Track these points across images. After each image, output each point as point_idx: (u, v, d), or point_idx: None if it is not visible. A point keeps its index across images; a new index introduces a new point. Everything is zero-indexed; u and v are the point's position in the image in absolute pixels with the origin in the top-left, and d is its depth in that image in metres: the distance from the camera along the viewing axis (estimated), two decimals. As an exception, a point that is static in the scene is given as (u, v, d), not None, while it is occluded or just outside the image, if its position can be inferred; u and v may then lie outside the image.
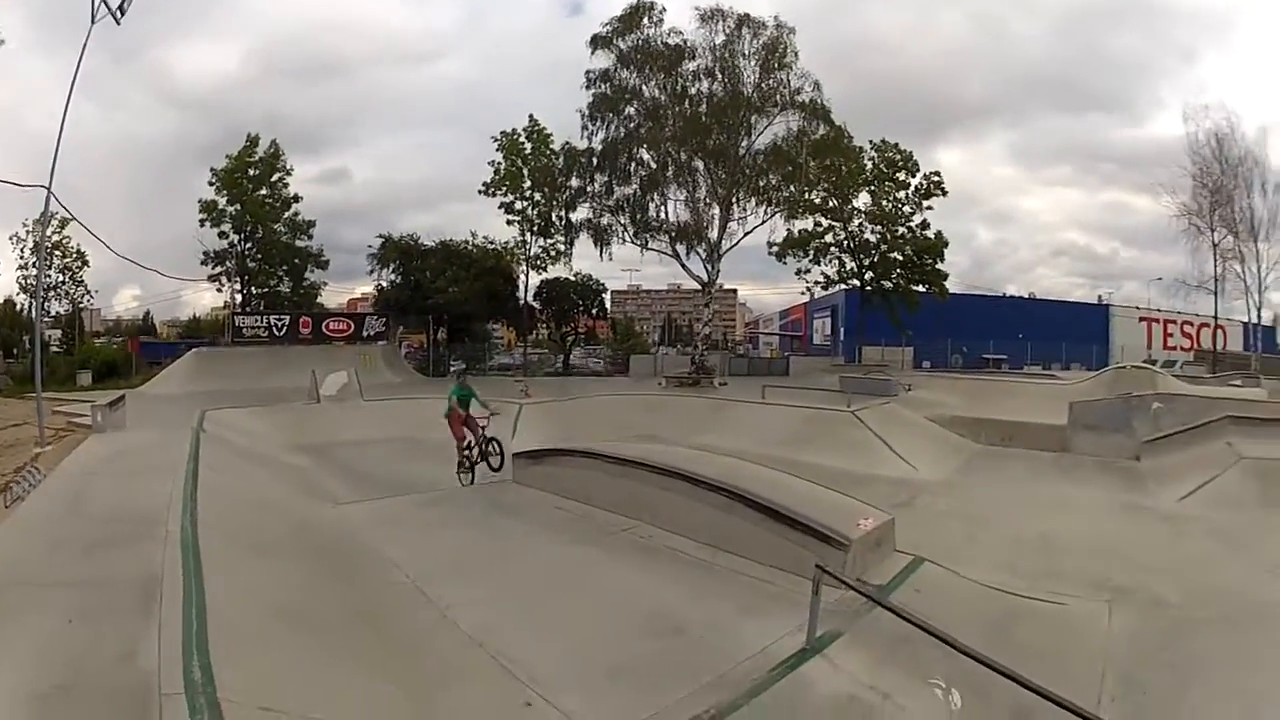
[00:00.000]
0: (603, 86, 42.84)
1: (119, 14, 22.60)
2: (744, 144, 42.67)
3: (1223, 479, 15.74)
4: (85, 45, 20.83)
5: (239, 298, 47.62)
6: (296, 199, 48.63)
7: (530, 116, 48.14)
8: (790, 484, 9.69)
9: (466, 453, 14.55)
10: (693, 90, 42.26)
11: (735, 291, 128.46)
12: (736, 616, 7.18)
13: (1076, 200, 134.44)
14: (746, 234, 44.23)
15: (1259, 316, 50.26)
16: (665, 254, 43.89)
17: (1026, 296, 77.91)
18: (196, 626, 5.23)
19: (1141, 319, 73.17)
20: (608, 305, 58.59)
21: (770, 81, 42.31)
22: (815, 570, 6.62)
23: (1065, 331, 64.00)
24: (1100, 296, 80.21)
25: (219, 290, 48.91)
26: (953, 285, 54.90)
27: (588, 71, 43.14)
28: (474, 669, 6.07)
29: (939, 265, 53.51)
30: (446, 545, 9.53)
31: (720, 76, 42.09)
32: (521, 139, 47.68)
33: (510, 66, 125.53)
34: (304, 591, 7.24)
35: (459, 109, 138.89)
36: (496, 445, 14.40)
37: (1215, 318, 52.83)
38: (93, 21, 21.40)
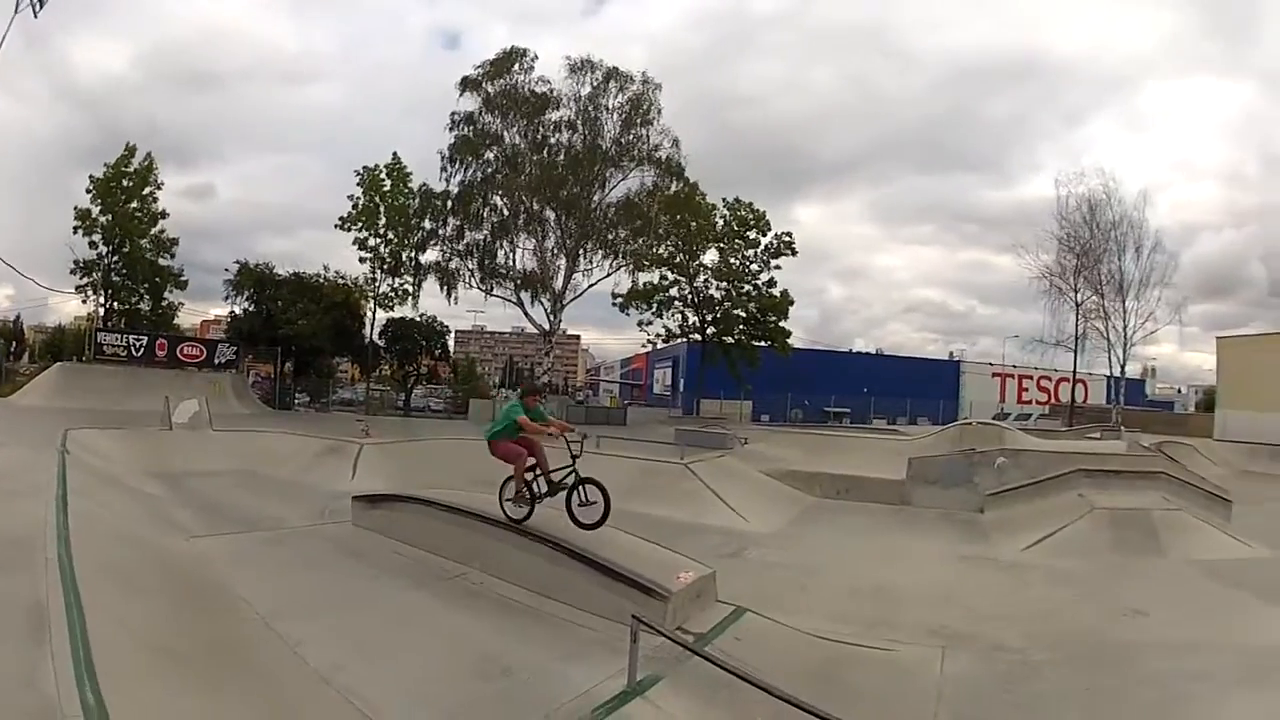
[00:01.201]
0: (466, 129, 43.58)
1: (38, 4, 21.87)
2: (597, 196, 43.90)
3: (1073, 528, 16.35)
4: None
5: (102, 311, 46.72)
6: (164, 215, 47.67)
7: (394, 154, 47.99)
8: (615, 538, 10.06)
9: (533, 480, 10.21)
10: (553, 140, 43.29)
11: (579, 337, 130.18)
12: (562, 661, 7.52)
13: (935, 258, 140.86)
14: (590, 285, 45.71)
15: (1122, 371, 52.68)
16: (510, 301, 44.84)
17: (874, 352, 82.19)
18: (84, 654, 5.30)
19: (994, 374, 78.26)
20: (450, 347, 58.64)
21: (630, 136, 43.59)
22: (632, 620, 7.03)
23: (914, 387, 67.77)
24: (951, 353, 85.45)
25: (83, 302, 47.95)
26: (801, 339, 56.74)
27: (453, 113, 44.08)
28: (324, 705, 6.35)
29: (781, 323, 56.30)
30: (293, 584, 9.65)
31: (581, 128, 42.98)
32: (382, 175, 47.36)
33: (384, 97, 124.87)
34: (169, 623, 7.38)
35: (330, 135, 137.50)
36: (596, 489, 9.79)
37: (1074, 373, 55.99)
38: (15, 11, 20.76)
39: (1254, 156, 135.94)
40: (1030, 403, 74.54)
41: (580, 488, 9.82)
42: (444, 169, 43.98)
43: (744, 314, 55.20)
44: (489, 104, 43.30)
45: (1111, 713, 8.05)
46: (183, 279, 49.03)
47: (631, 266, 47.15)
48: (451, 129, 43.80)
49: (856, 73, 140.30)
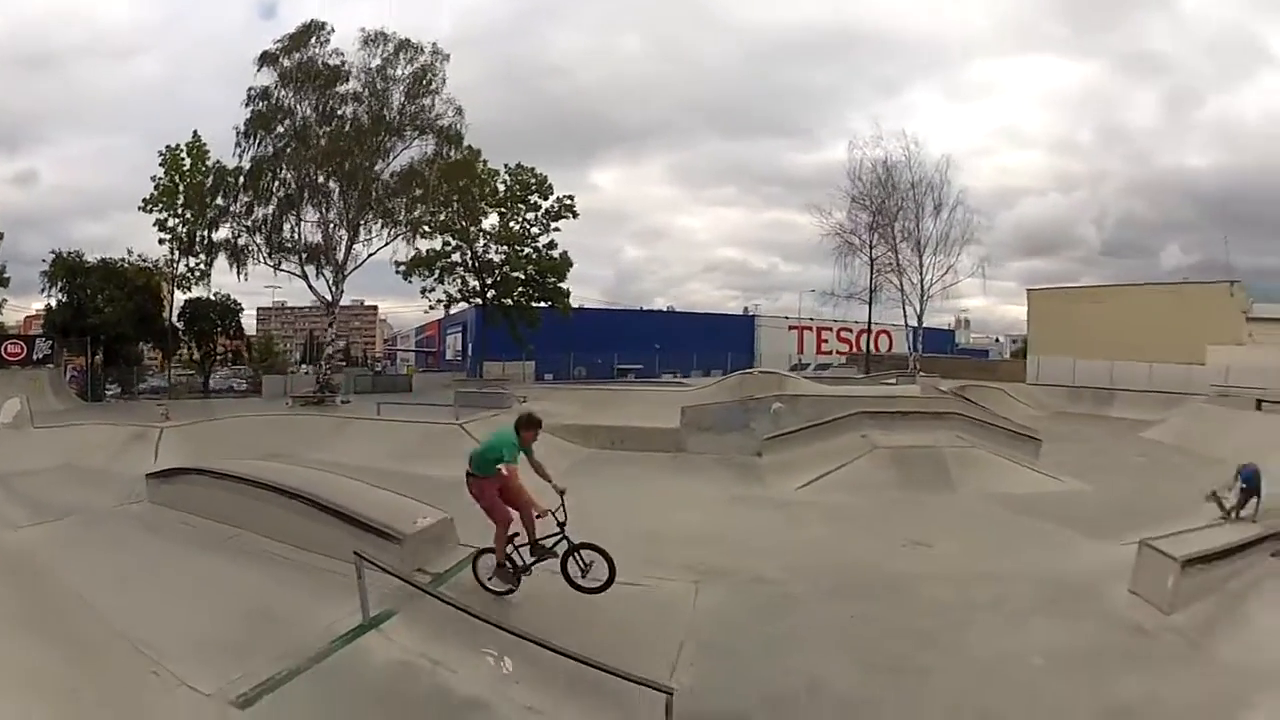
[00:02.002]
0: (260, 104, 42.18)
1: None
2: (380, 166, 43.46)
3: (852, 466, 17.67)
4: None
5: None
6: (-12, 207, 45.19)
7: (194, 133, 46.61)
8: (366, 492, 11.10)
9: (513, 551, 9.12)
10: (341, 112, 42.48)
11: (376, 308, 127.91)
12: (312, 601, 8.57)
13: (737, 218, 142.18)
14: (370, 255, 44.95)
15: (919, 321, 54.53)
16: (295, 274, 43.84)
17: (665, 310, 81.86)
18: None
19: (791, 327, 79.28)
20: (245, 325, 57.33)
21: (414, 107, 43.37)
22: (355, 558, 8.14)
23: (709, 343, 67.64)
24: (746, 308, 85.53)
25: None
26: (598, 300, 57.36)
27: (250, 89, 42.36)
28: (120, 652, 7.31)
29: (561, 284, 56.96)
30: (99, 559, 10.53)
31: (368, 100, 42.60)
32: (183, 154, 46.09)
33: (203, 71, 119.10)
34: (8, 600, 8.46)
35: (150, 112, 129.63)
36: (594, 552, 8.96)
37: (869, 324, 58.17)
38: None
39: (1089, 128, 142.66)
40: (831, 354, 77.05)
41: (576, 554, 9.02)
42: (238, 145, 42.54)
43: (523, 276, 56.04)
44: (285, 78, 42.24)
45: (876, 641, 8.86)
46: (5, 276, 47.54)
47: (410, 234, 46.78)
48: (248, 104, 42.49)
49: (667, 41, 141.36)
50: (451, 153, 45.21)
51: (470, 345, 67.75)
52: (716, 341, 68.32)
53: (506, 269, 55.76)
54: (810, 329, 79.75)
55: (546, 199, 56.32)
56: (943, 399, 27.64)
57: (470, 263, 55.34)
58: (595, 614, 8.66)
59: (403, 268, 52.21)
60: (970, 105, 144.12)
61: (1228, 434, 24.48)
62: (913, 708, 7.58)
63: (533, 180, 56.03)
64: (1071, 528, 13.89)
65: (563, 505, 8.89)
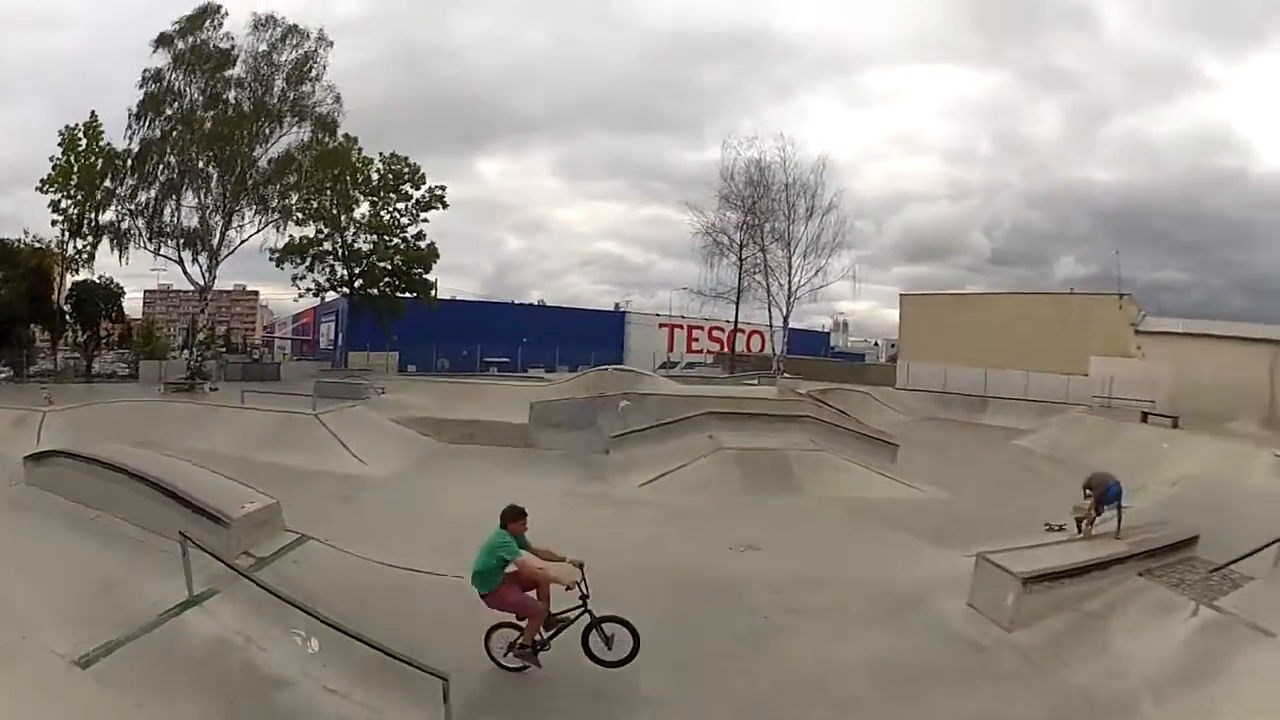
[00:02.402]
0: (153, 86, 42.23)
1: None
2: (259, 152, 43.98)
3: (695, 467, 18.44)
4: None
5: None
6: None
7: (92, 113, 45.90)
8: (203, 478, 12.10)
9: (541, 633, 8.69)
10: (226, 96, 42.97)
11: (257, 293, 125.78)
12: (152, 578, 9.42)
13: (619, 212, 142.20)
14: (243, 241, 45.52)
15: (785, 322, 54.46)
16: (172, 259, 44.10)
17: (536, 303, 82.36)
18: None
19: (662, 325, 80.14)
20: (129, 309, 57.49)
21: (295, 93, 44.14)
22: (180, 539, 9.14)
23: (579, 337, 67.72)
24: (618, 304, 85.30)
25: None
26: (475, 291, 57.71)
27: (145, 70, 42.35)
28: None
29: (427, 275, 57.93)
30: None
31: (251, 85, 43.28)
32: (80, 135, 45.45)
33: (117, 45, 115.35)
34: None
35: (62, 84, 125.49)
36: (620, 625, 8.78)
37: (735, 323, 59.10)
38: None
39: (989, 139, 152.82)
40: (702, 352, 78.29)
41: (598, 628, 8.75)
42: (129, 127, 42.62)
43: (389, 267, 56.19)
44: (178, 61, 42.24)
45: (689, 643, 9.32)
46: None
47: (282, 221, 48.06)
48: (141, 85, 42.52)
49: (568, 33, 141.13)
50: (327, 140, 46.00)
51: (340, 334, 67.57)
52: (586, 337, 68.73)
53: (374, 259, 55.83)
54: (681, 327, 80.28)
55: (418, 189, 56.71)
56: (795, 402, 28.01)
57: (339, 251, 55.36)
58: (410, 605, 9.57)
59: (276, 255, 52.45)
60: (866, 111, 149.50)
61: (1104, 445, 25.77)
62: (704, 713, 8.08)
63: (405, 170, 56.36)
64: (918, 535, 14.35)
65: (584, 578, 8.63)
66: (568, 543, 11.45)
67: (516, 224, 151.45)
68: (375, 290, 55.89)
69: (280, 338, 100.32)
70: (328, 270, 55.96)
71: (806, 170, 53.31)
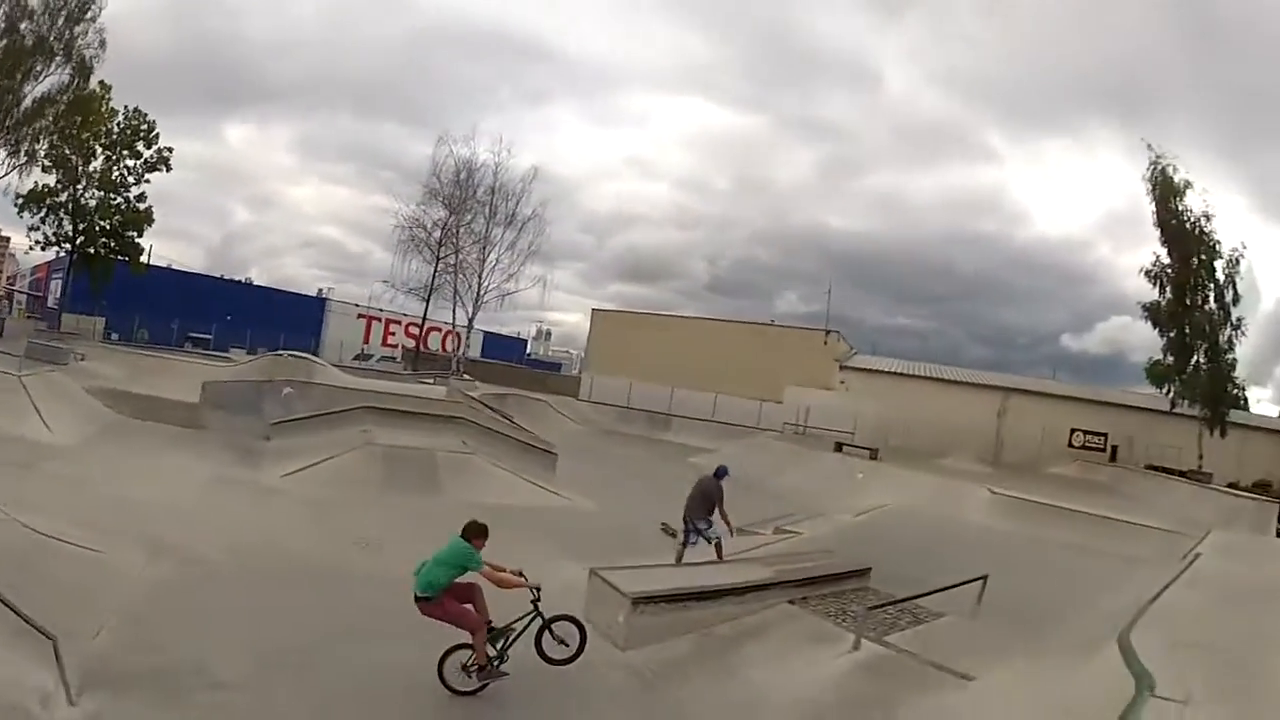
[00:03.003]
0: None
1: None
2: (28, 89, 42.47)
3: (340, 460, 18.44)
4: None
5: None
6: None
7: None
8: None
9: (490, 648, 8.84)
10: (20, 26, 41.46)
11: (8, 239, 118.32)
12: None
13: (345, 197, 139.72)
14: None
15: (470, 323, 55.46)
16: None
17: (244, 281, 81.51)
18: None
19: (360, 315, 79.69)
20: None
21: (70, 32, 43.03)
22: None
23: (281, 320, 66.61)
24: (321, 290, 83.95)
25: None
26: (199, 262, 56.19)
27: None
28: None
29: (139, 239, 55.50)
30: None
31: (39, 18, 41.98)
32: None
33: None
34: None
35: None
36: (571, 624, 9.31)
37: (424, 320, 59.31)
38: None
39: (730, 175, 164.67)
40: (397, 347, 76.93)
41: (550, 628, 9.13)
42: None
43: (108, 225, 53.87)
44: None
45: (281, 634, 9.42)
46: None
47: (27, 165, 45.80)
48: None
49: (339, 7, 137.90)
50: (81, 85, 44.81)
51: (62, 294, 63.81)
52: (286, 321, 67.42)
53: (96, 216, 53.26)
54: (379, 320, 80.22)
55: (150, 148, 54.16)
56: (454, 403, 27.37)
57: (69, 205, 52.29)
58: (48, 574, 9.51)
59: (20, 201, 49.68)
60: (612, 130, 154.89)
61: (788, 469, 27.65)
62: (273, 701, 8.12)
63: (143, 127, 53.70)
64: (555, 545, 14.14)
65: (533, 586, 8.88)
66: (198, 524, 12.86)
67: (249, 197, 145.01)
68: (92, 250, 53.31)
69: (18, 291, 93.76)
70: (56, 224, 52.80)
71: (516, 177, 54.78)
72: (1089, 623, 10.83)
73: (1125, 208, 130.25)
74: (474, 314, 54.86)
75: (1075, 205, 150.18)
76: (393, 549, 12.47)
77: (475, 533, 8.87)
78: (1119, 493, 34.12)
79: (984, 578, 12.65)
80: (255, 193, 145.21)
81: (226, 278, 78.89)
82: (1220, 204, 41.73)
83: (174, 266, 69.43)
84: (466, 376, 48.84)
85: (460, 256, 54.36)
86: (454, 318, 55.72)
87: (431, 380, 41.20)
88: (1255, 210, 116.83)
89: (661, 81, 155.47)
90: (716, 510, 14.12)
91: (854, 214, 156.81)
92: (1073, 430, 50.35)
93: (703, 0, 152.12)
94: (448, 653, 8.71)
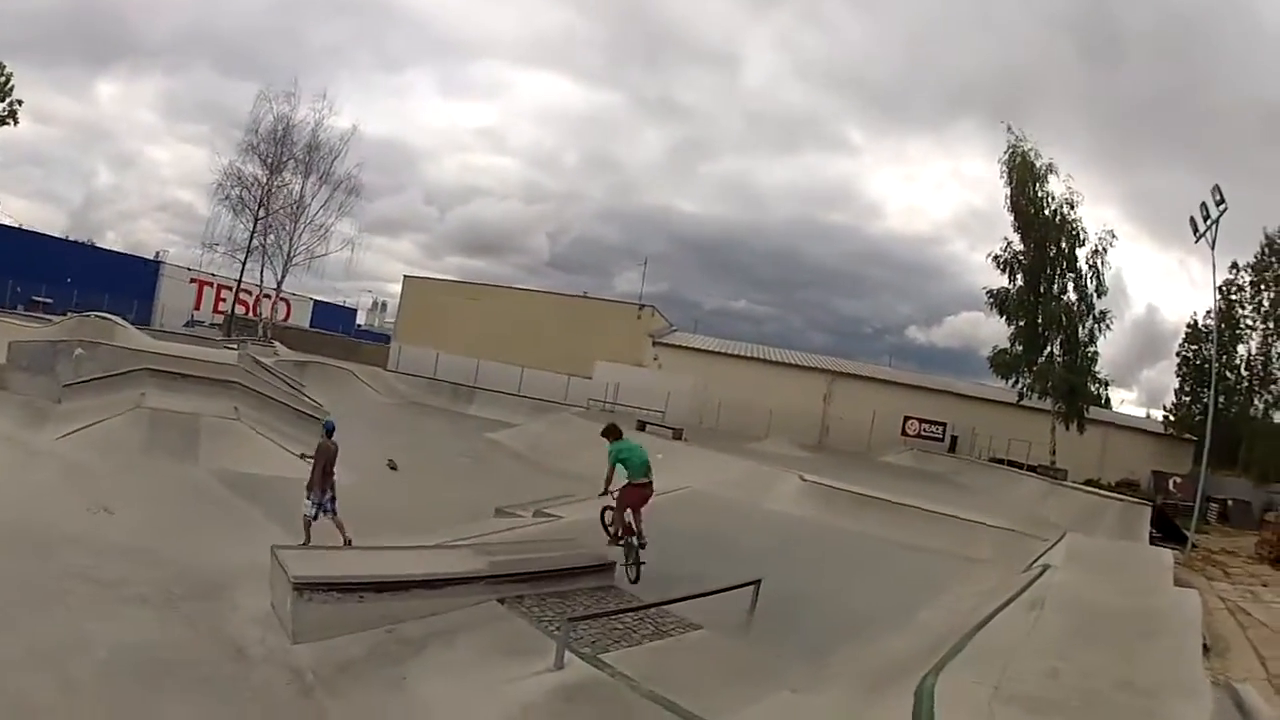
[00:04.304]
0: None
1: None
2: None
3: (110, 424, 17.59)
4: None
5: None
6: None
7: None
8: None
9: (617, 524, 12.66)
10: None
11: None
12: None
13: (201, 159, 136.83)
14: None
15: (278, 286, 52.78)
16: None
17: (83, 242, 77.07)
18: None
19: (192, 280, 75.09)
20: None
21: None
22: None
23: (117, 283, 64.20)
24: (157, 253, 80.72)
25: None
26: (60, 224, 54.29)
27: None
28: None
29: None
30: None
31: None
32: None
33: None
34: None
35: None
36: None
37: (239, 282, 55.10)
38: None
39: (579, 151, 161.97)
40: (226, 313, 68.84)
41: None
42: None
43: None
44: None
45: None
46: None
47: None
48: None
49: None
50: None
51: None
52: (121, 284, 65.01)
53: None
54: (211, 285, 76.55)
55: (3, 100, 50.33)
56: (230, 368, 24.77)
57: None
58: None
59: None
60: (462, 102, 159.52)
61: (582, 449, 25.47)
62: None
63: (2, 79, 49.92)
64: (282, 517, 13.09)
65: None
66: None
67: (112, 156, 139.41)
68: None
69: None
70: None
71: (336, 136, 52.08)
72: (896, 644, 9.93)
73: (984, 206, 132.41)
74: (283, 276, 52.31)
75: (932, 202, 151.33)
76: (124, 516, 12.10)
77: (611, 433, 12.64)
78: (957, 484, 32.84)
79: (757, 582, 10.96)
80: (118, 153, 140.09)
81: (72, 239, 75.38)
82: (1088, 204, 43.29)
83: (24, 227, 66.68)
84: (276, 343, 47.01)
85: (271, 216, 51.34)
86: (261, 279, 53.18)
87: (234, 346, 40.29)
88: (1126, 220, 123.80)
89: (519, 55, 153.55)
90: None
91: (703, 198, 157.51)
92: (907, 418, 49.79)
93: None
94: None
